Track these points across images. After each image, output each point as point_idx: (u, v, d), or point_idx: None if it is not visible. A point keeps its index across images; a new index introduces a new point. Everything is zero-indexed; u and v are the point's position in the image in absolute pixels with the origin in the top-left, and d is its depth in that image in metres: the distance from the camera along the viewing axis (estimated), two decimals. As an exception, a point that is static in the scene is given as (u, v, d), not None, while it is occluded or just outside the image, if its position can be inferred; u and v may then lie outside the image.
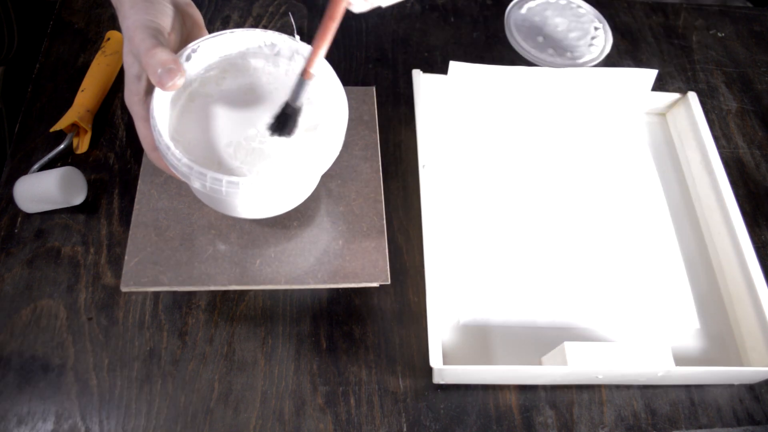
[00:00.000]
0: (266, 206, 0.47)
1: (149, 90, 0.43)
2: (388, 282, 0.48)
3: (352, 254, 0.48)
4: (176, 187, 0.51)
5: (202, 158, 0.44)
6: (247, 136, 0.45)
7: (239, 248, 0.48)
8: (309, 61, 0.42)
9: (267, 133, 0.45)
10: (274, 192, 0.42)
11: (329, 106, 0.46)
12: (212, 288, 0.47)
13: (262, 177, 0.41)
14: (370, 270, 0.48)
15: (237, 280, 0.47)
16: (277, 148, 0.45)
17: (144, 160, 0.53)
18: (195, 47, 0.44)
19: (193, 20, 0.47)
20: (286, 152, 0.45)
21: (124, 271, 0.47)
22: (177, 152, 0.40)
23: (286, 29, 0.72)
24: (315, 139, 0.46)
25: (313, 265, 0.48)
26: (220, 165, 0.44)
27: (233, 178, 0.40)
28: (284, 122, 0.44)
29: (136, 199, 0.50)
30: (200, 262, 0.47)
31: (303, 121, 0.45)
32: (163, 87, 0.41)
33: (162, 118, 0.42)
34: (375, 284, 0.48)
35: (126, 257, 0.47)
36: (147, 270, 0.47)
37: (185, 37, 0.47)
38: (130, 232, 0.48)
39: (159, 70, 0.40)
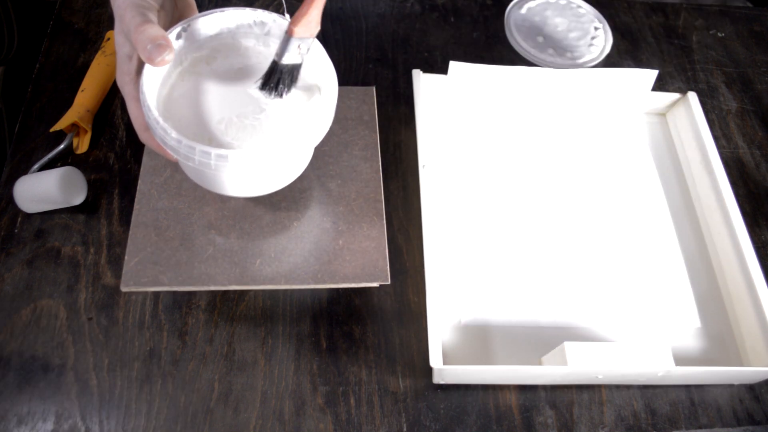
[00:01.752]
0: (256, 182, 0.46)
1: (140, 69, 0.43)
2: (388, 282, 0.48)
3: (352, 254, 0.48)
4: (176, 187, 0.51)
5: (193, 135, 0.43)
6: (239, 113, 0.45)
7: (239, 248, 0.48)
8: (294, 17, 0.43)
9: (258, 91, 0.46)
10: (264, 166, 0.42)
11: (319, 81, 0.46)
12: (212, 288, 0.47)
13: (251, 149, 0.41)
14: (370, 270, 0.48)
15: (237, 280, 0.47)
16: (269, 124, 0.45)
17: (144, 159, 0.53)
18: (185, 26, 0.44)
19: (185, 1, 0.47)
20: (278, 127, 0.45)
21: (124, 271, 0.47)
22: (166, 126, 0.40)
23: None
24: (306, 114, 0.46)
25: (313, 265, 0.48)
26: (210, 141, 0.44)
27: (222, 151, 0.40)
28: (272, 79, 0.45)
29: (136, 199, 0.50)
30: (200, 262, 0.47)
31: (296, 86, 0.46)
32: (152, 63, 0.40)
33: (151, 95, 0.42)
34: (375, 284, 0.48)
35: (126, 257, 0.47)
36: (147, 270, 0.47)
37: (177, 17, 0.47)
38: (130, 232, 0.48)
39: (148, 46, 0.40)
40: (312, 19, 0.43)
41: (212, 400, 0.48)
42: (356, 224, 0.50)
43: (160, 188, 0.51)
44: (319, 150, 0.53)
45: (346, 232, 0.50)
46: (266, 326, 0.51)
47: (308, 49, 0.45)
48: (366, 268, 0.48)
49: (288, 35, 0.44)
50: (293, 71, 0.45)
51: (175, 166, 0.52)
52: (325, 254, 0.48)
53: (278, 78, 0.45)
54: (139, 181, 0.51)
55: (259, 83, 0.46)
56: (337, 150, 0.54)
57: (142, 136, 0.45)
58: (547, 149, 0.64)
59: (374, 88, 0.60)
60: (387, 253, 0.49)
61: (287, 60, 0.44)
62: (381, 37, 0.73)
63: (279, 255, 0.48)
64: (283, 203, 0.50)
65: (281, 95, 0.46)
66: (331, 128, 0.54)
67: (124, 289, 0.46)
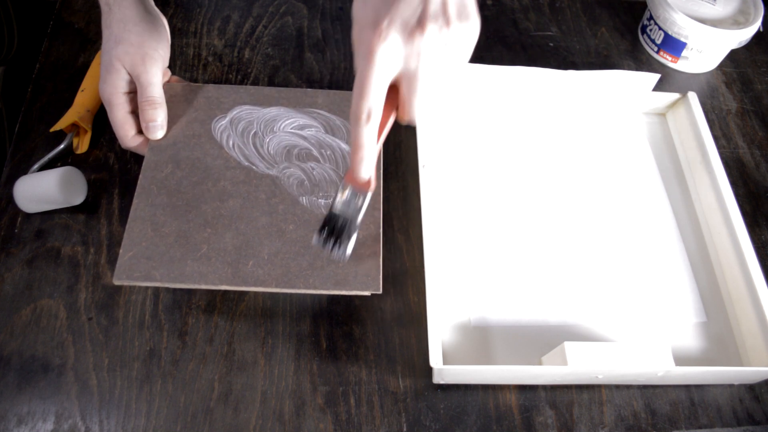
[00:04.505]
0: None
1: (131, 87, 0.52)
2: (380, 291, 0.47)
3: (346, 262, 0.48)
4: (176, 183, 0.51)
5: None
6: None
7: (233, 248, 0.48)
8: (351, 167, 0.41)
9: (318, 241, 0.45)
10: None
11: None
12: (203, 287, 0.47)
13: None
14: (362, 278, 0.47)
15: (228, 280, 0.47)
16: None
17: (147, 154, 0.52)
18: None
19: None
20: None
21: (117, 264, 0.46)
22: None
23: (285, 29, 0.72)
24: None
25: (306, 270, 0.47)
26: None
27: None
28: (332, 229, 0.45)
29: (135, 194, 0.50)
30: (193, 260, 0.47)
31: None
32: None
33: None
34: (366, 293, 0.47)
35: (121, 250, 0.47)
36: (140, 264, 0.46)
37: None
38: (127, 226, 0.48)
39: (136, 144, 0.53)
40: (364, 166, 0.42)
41: (212, 400, 0.48)
42: None
43: (160, 184, 0.50)
44: (318, 156, 0.54)
45: None
46: (266, 326, 0.52)
47: (363, 204, 0.44)
48: (359, 276, 0.48)
49: (344, 182, 0.44)
50: (349, 224, 0.45)
51: (176, 163, 0.52)
52: (318, 260, 0.48)
53: (333, 226, 0.45)
54: (140, 176, 0.51)
55: (317, 231, 0.45)
56: (338, 155, 0.54)
57: (125, 143, 0.53)
58: (546, 149, 0.64)
59: None
60: (381, 263, 0.48)
61: (340, 207, 0.44)
62: (381, 37, 0.73)
63: (272, 258, 0.48)
64: (280, 206, 0.50)
65: (339, 246, 0.45)
66: (331, 135, 0.54)
67: (116, 282, 0.46)
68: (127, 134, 0.53)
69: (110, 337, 0.50)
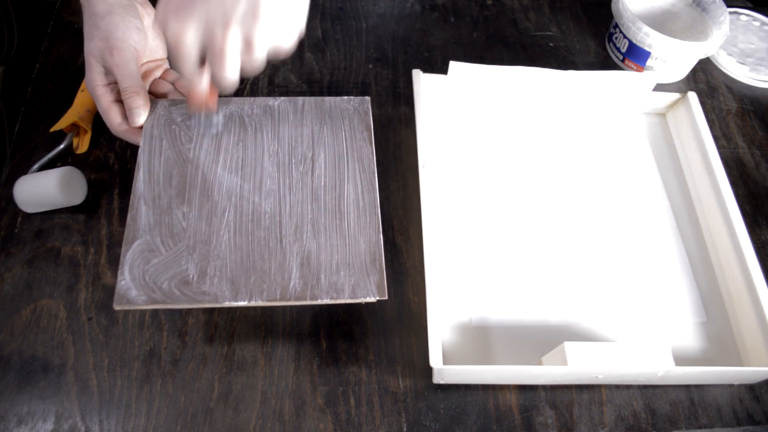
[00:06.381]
0: None
1: (111, 80, 0.53)
2: (386, 297, 0.47)
3: (348, 269, 0.48)
4: (167, 202, 0.50)
5: None
6: None
7: (234, 264, 0.47)
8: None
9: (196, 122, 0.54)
10: None
11: None
12: (206, 305, 0.46)
13: None
14: (366, 285, 0.47)
15: (232, 296, 0.46)
16: None
17: (137, 174, 0.51)
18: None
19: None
20: None
21: (116, 289, 0.45)
22: None
23: (286, 29, 0.72)
24: None
25: (309, 280, 0.47)
26: None
27: None
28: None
29: (128, 216, 0.49)
30: (193, 279, 0.46)
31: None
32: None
33: None
34: (372, 300, 0.47)
35: (118, 275, 0.46)
36: (140, 288, 0.45)
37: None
38: (123, 249, 0.47)
39: (122, 129, 0.53)
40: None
41: (212, 400, 0.48)
42: (353, 238, 0.49)
43: (152, 203, 0.49)
44: (312, 162, 0.53)
45: (341, 246, 0.49)
46: (266, 326, 0.52)
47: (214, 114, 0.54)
48: (362, 283, 0.47)
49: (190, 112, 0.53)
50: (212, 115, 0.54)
51: (168, 180, 0.50)
52: (320, 270, 0.47)
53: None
54: (131, 196, 0.50)
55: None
56: (331, 162, 0.53)
57: (114, 130, 0.53)
58: (547, 149, 0.64)
59: (369, 99, 0.58)
60: (384, 268, 0.48)
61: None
62: (381, 37, 0.73)
63: (274, 271, 0.47)
64: (276, 217, 0.50)
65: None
66: (325, 139, 0.54)
67: (117, 307, 0.45)
68: (112, 122, 0.53)
69: (110, 337, 0.50)
